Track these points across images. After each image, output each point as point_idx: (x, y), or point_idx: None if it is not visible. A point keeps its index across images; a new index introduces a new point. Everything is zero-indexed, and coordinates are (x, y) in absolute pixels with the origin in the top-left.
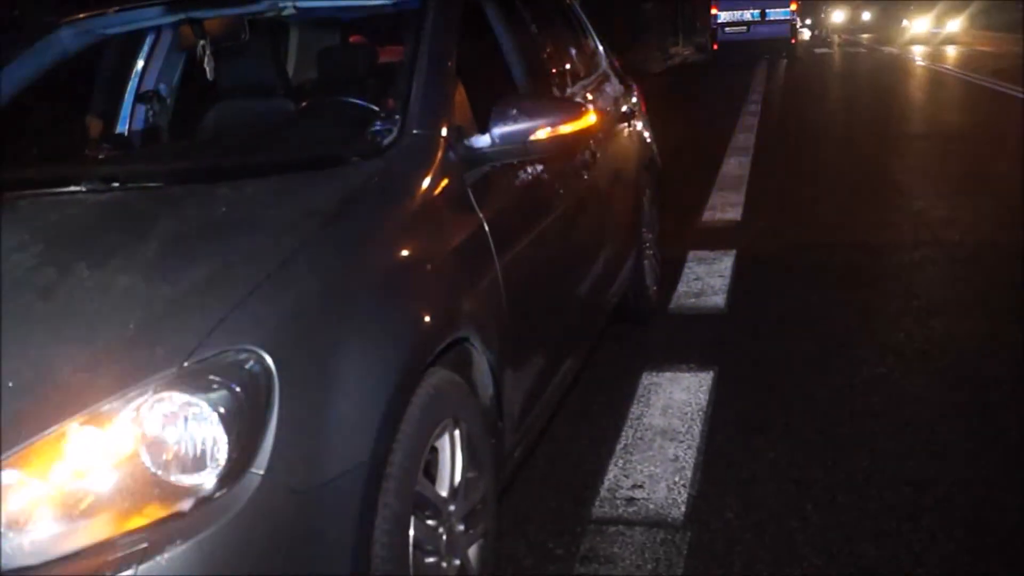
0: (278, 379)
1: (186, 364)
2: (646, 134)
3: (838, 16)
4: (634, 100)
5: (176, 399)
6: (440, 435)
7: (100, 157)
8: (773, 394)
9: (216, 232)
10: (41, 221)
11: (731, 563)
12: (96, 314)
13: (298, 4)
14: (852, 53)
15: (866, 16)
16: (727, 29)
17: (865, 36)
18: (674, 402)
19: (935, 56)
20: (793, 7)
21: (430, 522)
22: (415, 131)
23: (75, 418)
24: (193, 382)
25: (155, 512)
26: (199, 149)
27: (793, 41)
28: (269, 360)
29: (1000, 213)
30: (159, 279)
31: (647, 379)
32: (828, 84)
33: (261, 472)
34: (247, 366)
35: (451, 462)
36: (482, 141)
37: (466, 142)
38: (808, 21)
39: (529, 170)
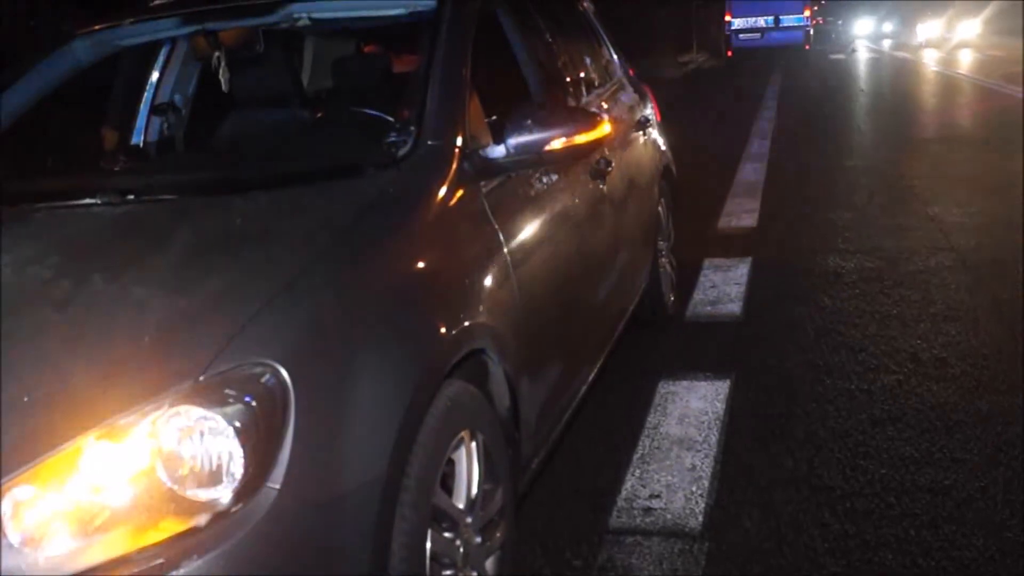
0: (294, 392)
1: (202, 378)
2: (661, 142)
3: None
4: (649, 108)
5: (192, 413)
6: (457, 447)
7: (115, 169)
8: (790, 401)
9: (231, 244)
10: (57, 234)
11: (750, 573)
12: (111, 327)
13: (313, 15)
14: (866, 59)
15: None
16: (741, 36)
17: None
18: (691, 411)
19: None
20: (807, 13)
21: (447, 534)
22: (430, 142)
23: (91, 432)
24: (209, 396)
25: (171, 527)
26: (214, 160)
27: (807, 47)
28: (285, 373)
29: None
30: (174, 292)
31: (664, 388)
32: (844, 89)
33: (277, 486)
34: (263, 380)
35: (468, 474)
36: (497, 151)
37: (481, 152)
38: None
39: (544, 180)
